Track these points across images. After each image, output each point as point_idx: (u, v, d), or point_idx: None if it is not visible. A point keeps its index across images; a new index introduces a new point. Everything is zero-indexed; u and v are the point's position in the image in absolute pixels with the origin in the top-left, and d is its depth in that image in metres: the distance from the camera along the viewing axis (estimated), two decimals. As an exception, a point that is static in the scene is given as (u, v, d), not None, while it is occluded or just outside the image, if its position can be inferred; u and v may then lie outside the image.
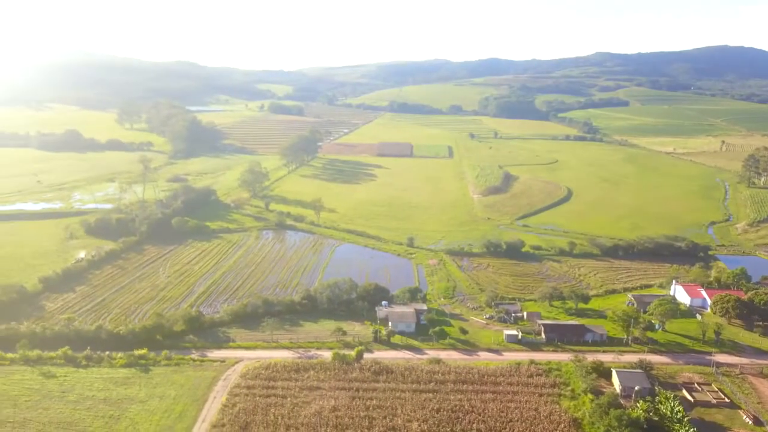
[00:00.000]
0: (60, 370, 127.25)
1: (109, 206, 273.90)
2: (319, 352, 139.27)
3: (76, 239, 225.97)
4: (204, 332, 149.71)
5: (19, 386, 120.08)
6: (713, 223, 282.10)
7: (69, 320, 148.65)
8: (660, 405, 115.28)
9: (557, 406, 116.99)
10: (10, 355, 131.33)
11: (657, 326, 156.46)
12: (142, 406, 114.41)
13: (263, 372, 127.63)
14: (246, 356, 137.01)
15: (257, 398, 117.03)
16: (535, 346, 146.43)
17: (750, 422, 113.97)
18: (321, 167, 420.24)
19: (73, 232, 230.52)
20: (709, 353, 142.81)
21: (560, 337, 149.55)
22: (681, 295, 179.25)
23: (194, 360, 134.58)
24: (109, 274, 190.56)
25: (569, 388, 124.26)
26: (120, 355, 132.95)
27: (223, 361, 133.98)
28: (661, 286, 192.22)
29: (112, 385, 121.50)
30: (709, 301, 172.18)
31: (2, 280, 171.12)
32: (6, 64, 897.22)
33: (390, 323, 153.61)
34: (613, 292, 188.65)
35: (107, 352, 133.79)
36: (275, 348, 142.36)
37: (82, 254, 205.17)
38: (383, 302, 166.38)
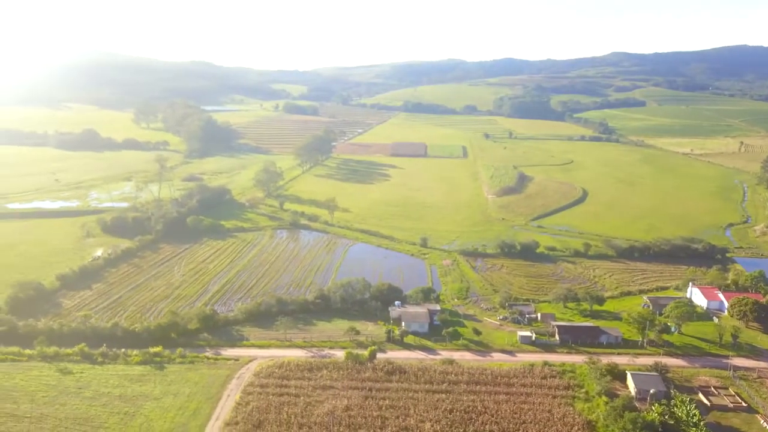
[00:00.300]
0: (76, 366, 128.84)
1: (125, 205, 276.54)
2: (332, 352, 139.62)
3: (92, 237, 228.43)
4: (218, 330, 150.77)
5: (37, 382, 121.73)
6: (731, 224, 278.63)
7: (85, 317, 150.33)
8: (676, 408, 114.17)
9: (571, 408, 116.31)
10: (28, 351, 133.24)
11: (673, 329, 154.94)
12: (156, 403, 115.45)
13: (277, 371, 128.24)
14: (260, 355, 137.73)
15: (271, 397, 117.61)
16: (549, 348, 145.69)
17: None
18: (335, 167, 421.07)
19: (89, 231, 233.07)
20: (726, 357, 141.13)
21: (574, 338, 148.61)
22: (698, 297, 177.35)
23: (208, 358, 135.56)
24: (125, 272, 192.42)
25: (583, 390, 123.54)
26: (135, 352, 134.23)
27: (237, 360, 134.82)
28: (677, 289, 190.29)
29: (127, 382, 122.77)
30: (726, 304, 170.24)
31: (20, 278, 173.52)
32: (25, 64, 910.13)
33: (403, 323, 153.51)
34: (629, 294, 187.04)
35: (123, 350, 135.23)
36: (289, 347, 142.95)
37: (98, 252, 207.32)
38: (396, 302, 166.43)
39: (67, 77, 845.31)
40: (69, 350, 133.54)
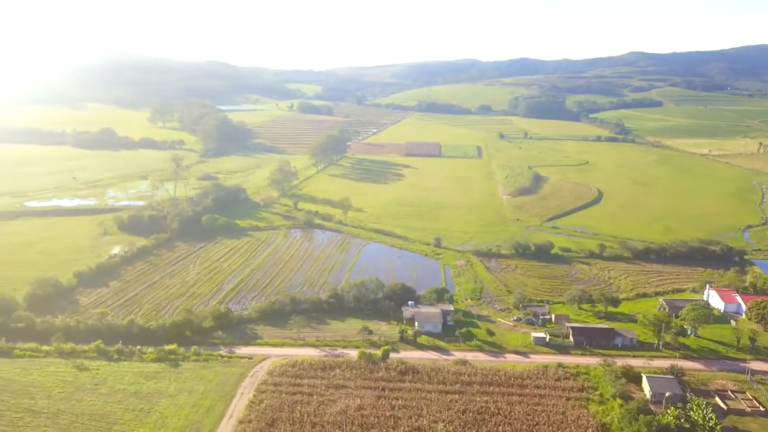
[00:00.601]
0: (93, 363, 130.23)
1: (141, 203, 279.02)
2: (345, 351, 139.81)
3: (109, 235, 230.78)
4: (232, 329, 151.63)
5: (54, 378, 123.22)
6: (749, 226, 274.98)
7: (102, 314, 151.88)
8: (691, 412, 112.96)
9: (585, 411, 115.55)
10: (45, 347, 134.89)
11: (689, 331, 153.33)
12: (171, 400, 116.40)
13: (290, 369, 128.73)
14: (273, 353, 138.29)
15: (284, 395, 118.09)
16: (563, 349, 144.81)
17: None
18: (349, 167, 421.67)
19: (106, 229, 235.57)
20: (744, 360, 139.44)
21: (589, 340, 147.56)
22: (715, 300, 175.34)
23: (222, 356, 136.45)
24: (141, 270, 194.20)
25: (598, 392, 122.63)
26: (150, 349, 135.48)
27: (250, 358, 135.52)
28: (694, 291, 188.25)
29: (142, 379, 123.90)
30: (744, 307, 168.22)
31: (38, 275, 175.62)
32: (43, 64, 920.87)
33: (416, 323, 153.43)
34: (644, 295, 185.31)
35: (138, 347, 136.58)
36: (302, 346, 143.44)
37: (115, 250, 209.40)
38: (410, 302, 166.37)
39: (84, 77, 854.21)
40: (85, 347, 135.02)
